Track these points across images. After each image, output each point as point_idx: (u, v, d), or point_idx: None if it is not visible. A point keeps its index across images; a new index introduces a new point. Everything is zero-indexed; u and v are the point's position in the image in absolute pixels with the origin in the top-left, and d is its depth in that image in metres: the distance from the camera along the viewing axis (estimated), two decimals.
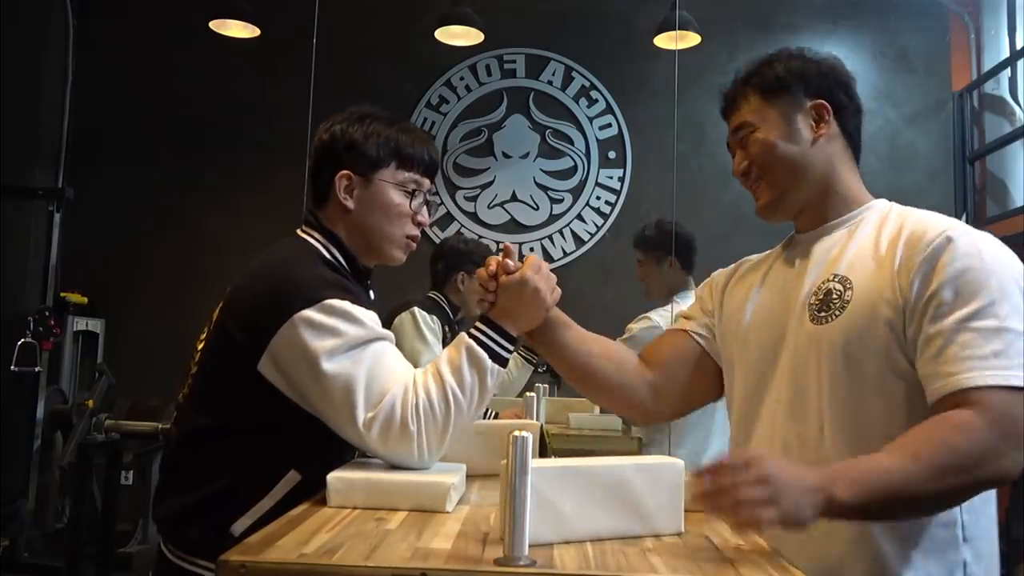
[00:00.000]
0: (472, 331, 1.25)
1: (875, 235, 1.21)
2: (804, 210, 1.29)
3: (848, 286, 1.17)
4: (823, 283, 1.20)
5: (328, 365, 1.16)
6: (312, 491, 1.15)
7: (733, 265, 1.46)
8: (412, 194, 1.38)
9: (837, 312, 1.16)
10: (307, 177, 1.43)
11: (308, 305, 1.18)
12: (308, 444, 1.25)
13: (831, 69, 1.29)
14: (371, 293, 1.48)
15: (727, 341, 1.36)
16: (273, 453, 1.25)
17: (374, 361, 1.19)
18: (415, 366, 1.25)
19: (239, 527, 1.22)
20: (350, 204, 1.36)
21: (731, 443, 1.35)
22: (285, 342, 1.19)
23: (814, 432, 1.17)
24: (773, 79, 1.27)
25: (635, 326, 2.80)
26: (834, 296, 1.17)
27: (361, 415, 1.16)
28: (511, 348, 1.26)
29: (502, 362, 1.24)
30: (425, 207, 1.42)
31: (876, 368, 1.13)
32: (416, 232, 1.41)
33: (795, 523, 0.91)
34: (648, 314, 2.79)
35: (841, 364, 1.14)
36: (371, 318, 1.23)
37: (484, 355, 1.21)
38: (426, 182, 1.41)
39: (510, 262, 1.28)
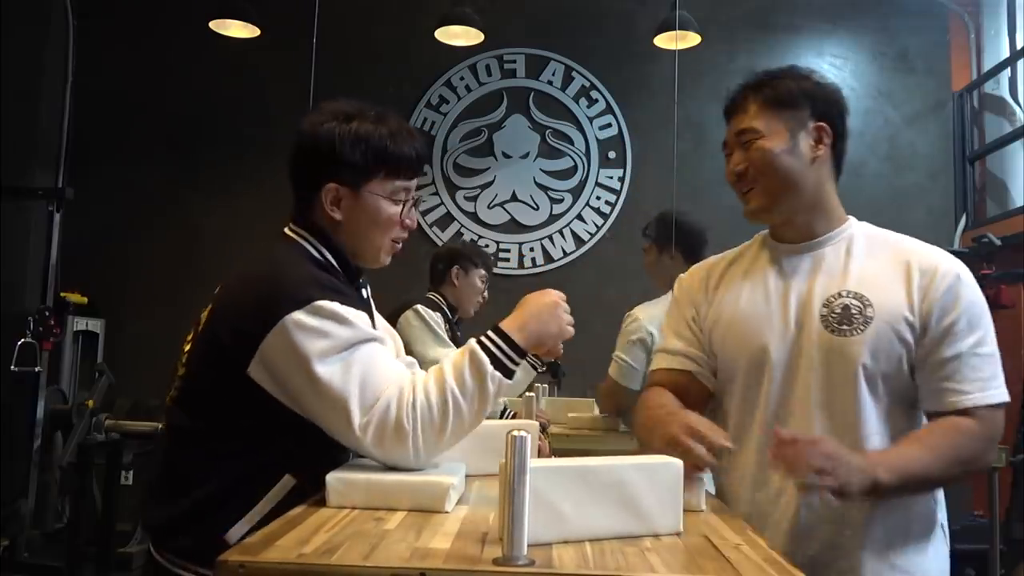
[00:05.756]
0: (481, 337, 1.24)
1: (876, 257, 1.35)
2: (791, 221, 1.38)
3: (867, 303, 1.30)
4: (834, 297, 1.32)
5: (320, 369, 1.15)
6: (308, 495, 1.13)
7: (699, 269, 1.51)
8: (403, 203, 1.35)
9: (861, 327, 1.29)
10: (289, 174, 1.38)
11: (297, 307, 1.16)
12: (301, 447, 1.23)
13: (836, 96, 1.39)
14: (366, 292, 1.46)
15: (717, 336, 1.41)
16: (265, 458, 1.23)
17: (366, 364, 1.17)
18: (428, 359, 1.24)
19: (235, 534, 1.20)
20: (338, 216, 1.32)
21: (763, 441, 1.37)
22: (275, 346, 1.17)
23: (842, 428, 1.29)
24: (785, 94, 1.35)
25: (632, 330, 2.65)
26: (854, 311, 1.30)
27: (357, 419, 1.14)
28: (517, 360, 1.22)
29: (505, 371, 1.20)
30: (413, 209, 1.39)
31: (885, 382, 1.30)
32: (404, 235, 1.39)
33: (843, 495, 1.11)
34: (635, 312, 2.66)
35: (864, 372, 1.28)
36: (361, 319, 1.21)
37: (486, 360, 1.19)
38: (414, 183, 1.38)
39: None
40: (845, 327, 1.29)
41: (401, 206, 1.35)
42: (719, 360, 1.41)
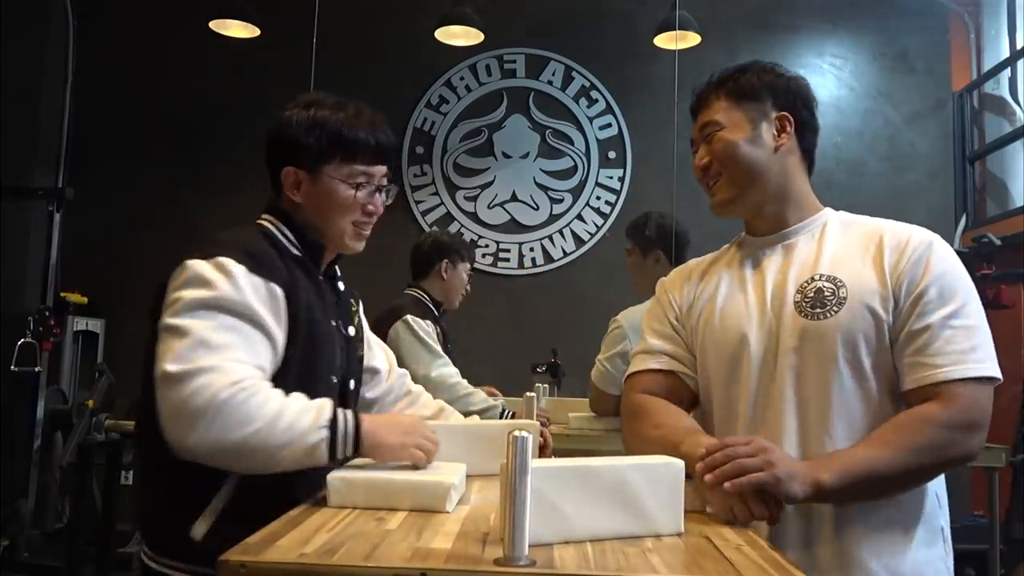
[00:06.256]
0: (342, 410, 1.18)
1: (849, 239, 1.32)
2: (760, 213, 1.38)
3: (840, 284, 1.26)
4: (807, 282, 1.29)
5: (185, 314, 1.13)
6: (270, 488, 1.12)
7: (681, 271, 1.51)
8: (359, 186, 1.36)
9: (835, 309, 1.24)
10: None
11: (204, 257, 1.20)
12: None
13: (799, 87, 1.39)
14: (341, 283, 1.46)
15: (699, 335, 1.39)
16: None
17: (229, 332, 1.14)
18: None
19: (199, 531, 1.18)
20: (298, 199, 1.36)
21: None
22: (171, 284, 1.20)
23: (814, 415, 1.24)
24: (745, 86, 1.37)
25: (614, 340, 2.63)
26: (827, 294, 1.26)
27: (176, 362, 1.08)
28: (350, 448, 1.15)
29: (332, 444, 1.14)
30: (378, 195, 1.39)
31: (870, 366, 1.23)
32: (366, 220, 1.39)
33: (784, 494, 1.07)
34: (619, 318, 2.63)
35: (843, 352, 1.23)
36: (260, 298, 1.19)
37: (327, 419, 1.14)
38: (378, 170, 1.38)
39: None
40: (819, 310, 1.25)
41: (358, 189, 1.36)
42: (700, 358, 1.39)
